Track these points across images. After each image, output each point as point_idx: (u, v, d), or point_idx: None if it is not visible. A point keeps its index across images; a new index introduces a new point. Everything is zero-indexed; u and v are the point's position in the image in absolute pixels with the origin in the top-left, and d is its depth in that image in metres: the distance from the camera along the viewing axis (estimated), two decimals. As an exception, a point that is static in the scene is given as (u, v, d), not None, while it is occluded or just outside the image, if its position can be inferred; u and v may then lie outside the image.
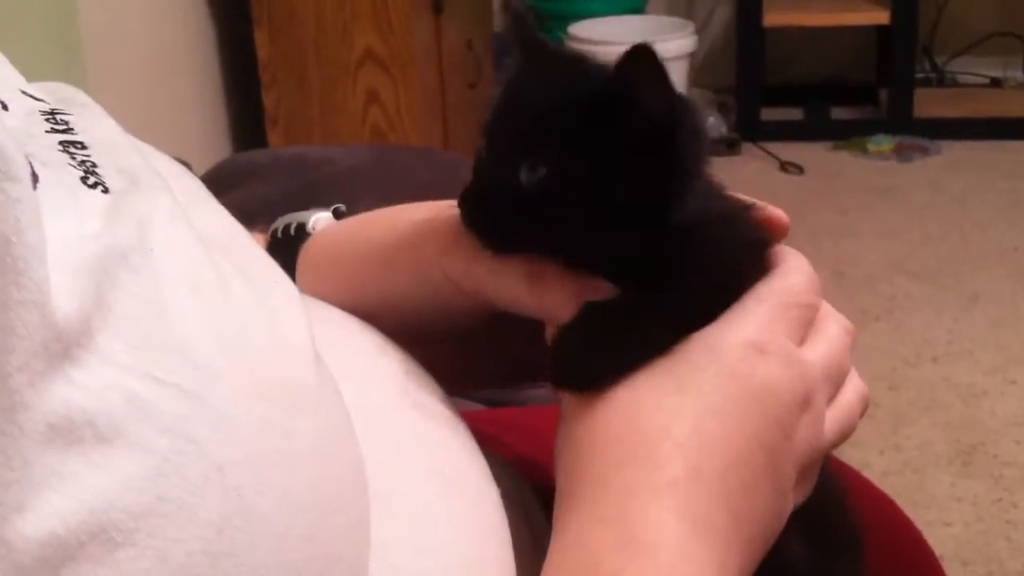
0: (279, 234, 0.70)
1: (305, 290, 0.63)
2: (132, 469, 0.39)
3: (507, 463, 0.66)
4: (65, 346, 0.39)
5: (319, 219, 0.70)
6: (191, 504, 0.40)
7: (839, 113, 3.51)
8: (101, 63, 1.88)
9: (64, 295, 0.39)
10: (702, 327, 0.53)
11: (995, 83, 3.53)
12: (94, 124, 0.53)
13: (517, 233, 0.56)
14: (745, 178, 3.01)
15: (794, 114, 3.50)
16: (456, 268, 0.59)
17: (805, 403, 0.53)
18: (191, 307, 0.45)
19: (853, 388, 0.57)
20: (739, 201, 0.59)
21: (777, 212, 0.59)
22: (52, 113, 0.52)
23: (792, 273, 0.56)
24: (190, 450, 0.40)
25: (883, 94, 3.40)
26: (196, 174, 0.64)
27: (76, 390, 0.38)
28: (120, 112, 0.58)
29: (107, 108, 0.57)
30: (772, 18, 3.31)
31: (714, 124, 3.21)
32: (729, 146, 3.24)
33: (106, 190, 0.47)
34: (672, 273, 0.54)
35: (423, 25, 2.36)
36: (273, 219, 0.72)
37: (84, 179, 0.47)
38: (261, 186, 1.27)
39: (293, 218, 0.71)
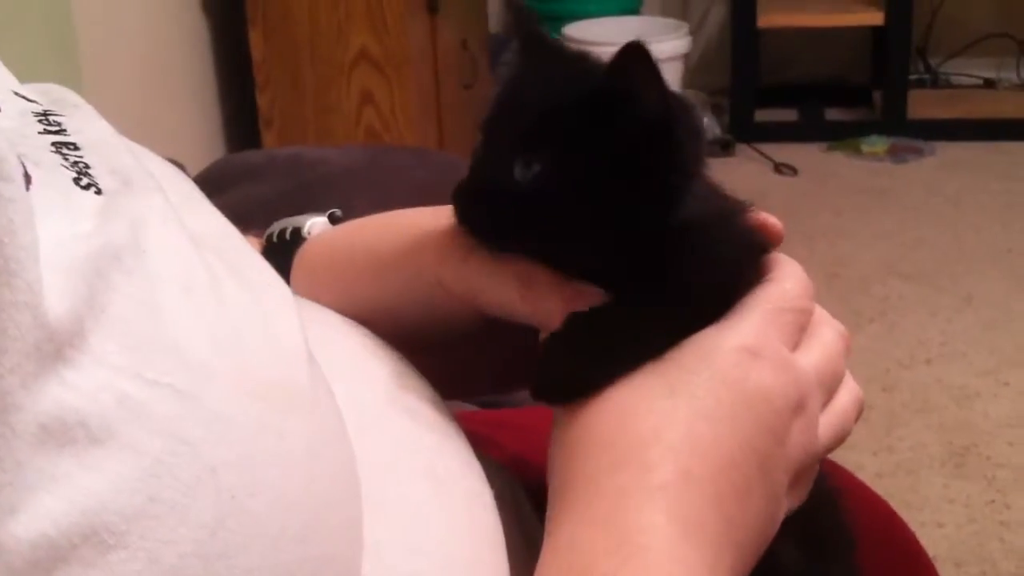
0: (275, 238, 0.70)
1: (300, 295, 0.63)
2: (124, 470, 0.39)
3: (500, 464, 0.66)
4: (58, 347, 0.39)
5: (315, 224, 0.70)
6: (184, 505, 0.40)
7: (833, 114, 3.51)
8: (96, 63, 1.88)
9: (56, 296, 0.39)
10: (695, 332, 0.53)
11: (989, 84, 3.53)
12: (87, 125, 0.53)
13: (510, 230, 0.55)
14: (739, 179, 2.99)
15: (788, 115, 3.50)
16: (449, 275, 0.59)
17: (798, 408, 0.53)
18: (184, 308, 0.44)
19: (848, 392, 0.57)
20: (737, 202, 0.58)
21: (772, 219, 0.59)
22: (45, 114, 0.52)
23: (786, 279, 0.56)
24: (183, 451, 0.40)
25: (877, 95, 3.40)
26: (190, 174, 0.64)
27: (68, 391, 0.38)
28: (115, 112, 0.58)
29: (102, 108, 0.57)
30: (766, 19, 3.31)
31: (708, 125, 3.21)
32: (723, 147, 3.23)
33: (99, 191, 0.47)
34: (669, 275, 0.54)
35: (418, 25, 2.36)
36: (268, 220, 0.72)
37: (77, 180, 0.47)
38: (255, 187, 1.26)
39: (289, 223, 0.70)
